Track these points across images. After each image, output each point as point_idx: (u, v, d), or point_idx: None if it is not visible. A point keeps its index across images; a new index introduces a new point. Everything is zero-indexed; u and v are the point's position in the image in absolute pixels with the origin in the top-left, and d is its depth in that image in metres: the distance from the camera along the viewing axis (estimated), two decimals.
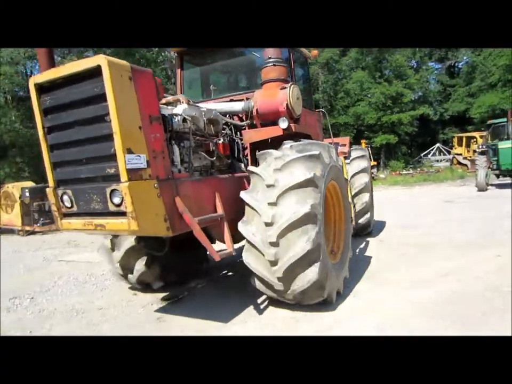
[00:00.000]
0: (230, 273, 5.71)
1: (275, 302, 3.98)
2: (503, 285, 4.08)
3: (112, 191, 2.90)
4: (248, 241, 3.62)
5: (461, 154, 28.27)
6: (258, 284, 3.77)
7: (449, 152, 31.15)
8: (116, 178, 2.89)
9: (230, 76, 5.81)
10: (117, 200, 2.89)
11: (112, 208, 2.93)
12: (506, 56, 31.49)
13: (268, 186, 3.55)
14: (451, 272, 4.70)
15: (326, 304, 3.80)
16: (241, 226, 3.67)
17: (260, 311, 3.96)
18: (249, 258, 3.67)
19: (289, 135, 4.22)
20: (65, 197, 3.18)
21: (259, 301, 4.22)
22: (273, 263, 3.46)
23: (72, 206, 3.17)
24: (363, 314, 3.65)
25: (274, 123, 4.24)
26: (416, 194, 15.43)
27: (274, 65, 4.16)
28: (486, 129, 16.73)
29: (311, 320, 3.60)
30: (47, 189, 3.33)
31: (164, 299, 4.54)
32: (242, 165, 4.64)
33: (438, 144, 32.89)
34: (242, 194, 3.73)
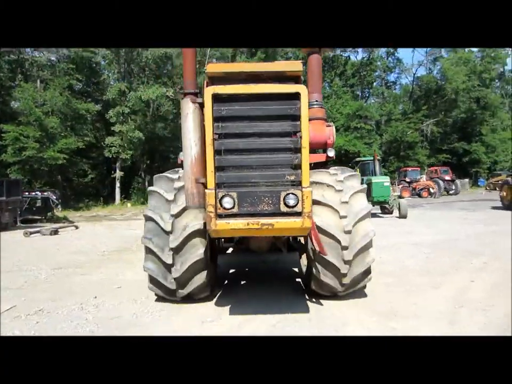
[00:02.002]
0: (243, 281, 6.08)
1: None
2: None
3: (287, 194, 3.38)
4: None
5: None
6: (319, 289, 4.66)
7: None
8: (294, 183, 3.42)
9: None
10: (292, 202, 3.37)
11: (284, 209, 3.39)
12: (350, 106, 37.61)
13: (342, 217, 4.29)
14: (459, 300, 4.71)
15: None
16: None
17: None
18: (322, 272, 4.42)
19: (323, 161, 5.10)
20: (226, 199, 3.37)
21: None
22: (345, 275, 4.38)
23: (232, 208, 3.39)
24: None
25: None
26: None
27: (321, 107, 5.09)
28: (354, 165, 19.07)
29: None
30: (207, 191, 3.41)
31: None
32: None
33: None
34: (320, 222, 4.22)
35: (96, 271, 7.07)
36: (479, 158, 41.88)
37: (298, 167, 3.39)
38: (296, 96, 3.36)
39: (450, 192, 31.92)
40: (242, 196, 3.37)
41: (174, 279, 4.32)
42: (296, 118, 3.38)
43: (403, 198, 29.33)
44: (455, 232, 10.94)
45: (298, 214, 3.39)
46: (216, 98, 3.36)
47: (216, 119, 3.36)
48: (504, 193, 19.01)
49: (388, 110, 41.71)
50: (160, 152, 31.78)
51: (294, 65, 5.36)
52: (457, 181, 33.04)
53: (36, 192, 18.98)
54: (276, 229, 3.45)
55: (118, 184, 27.01)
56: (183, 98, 3.67)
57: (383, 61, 44.40)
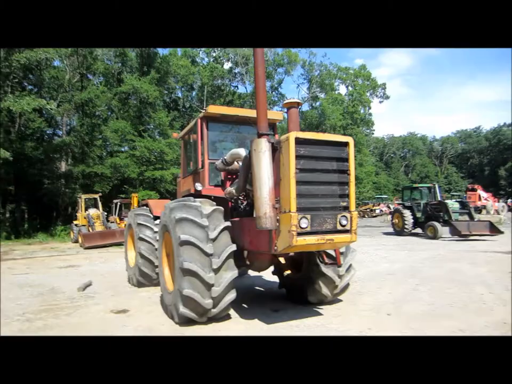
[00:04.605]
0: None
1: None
2: None
3: (341, 216, 4.37)
4: (323, 273, 5.52)
5: None
6: (313, 296, 5.76)
7: None
8: (344, 208, 4.44)
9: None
10: (344, 222, 4.37)
11: (339, 227, 4.36)
12: None
13: None
14: None
15: None
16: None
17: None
18: (323, 284, 5.56)
19: None
20: (303, 220, 4.12)
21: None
22: (337, 287, 5.64)
23: (307, 227, 4.15)
24: None
25: None
26: None
27: None
28: None
29: None
30: (291, 213, 4.08)
31: None
32: None
33: None
34: None
35: None
36: None
37: (347, 196, 4.45)
38: (345, 144, 4.46)
39: None
40: (313, 217, 4.21)
41: (212, 298, 4.70)
42: (346, 160, 4.45)
43: None
44: (400, 259, 11.16)
45: (348, 231, 4.41)
46: (297, 141, 4.14)
47: (296, 157, 4.14)
48: (396, 221, 21.06)
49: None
50: (30, 177, 26.34)
51: (275, 115, 6.78)
52: None
53: None
54: (334, 243, 4.37)
55: None
56: (259, 138, 4.34)
57: (268, 95, 46.87)
